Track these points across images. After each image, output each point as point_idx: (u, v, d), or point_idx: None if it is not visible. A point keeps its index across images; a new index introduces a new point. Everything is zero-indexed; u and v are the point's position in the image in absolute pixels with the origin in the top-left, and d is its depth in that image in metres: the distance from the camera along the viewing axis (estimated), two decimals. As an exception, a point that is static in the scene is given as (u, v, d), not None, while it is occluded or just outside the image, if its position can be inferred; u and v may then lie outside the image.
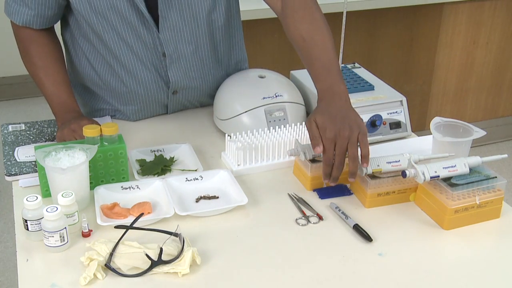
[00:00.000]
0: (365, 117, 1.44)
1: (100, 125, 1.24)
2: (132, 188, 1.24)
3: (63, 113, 1.40)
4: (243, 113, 1.43)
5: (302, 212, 1.20)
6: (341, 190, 1.28)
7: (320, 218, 1.18)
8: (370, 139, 1.41)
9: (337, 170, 1.18)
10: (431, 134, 1.30)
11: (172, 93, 1.52)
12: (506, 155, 1.22)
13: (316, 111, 1.21)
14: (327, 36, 1.29)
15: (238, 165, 1.33)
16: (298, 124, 1.41)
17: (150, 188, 1.24)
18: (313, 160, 1.28)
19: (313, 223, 1.17)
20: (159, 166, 1.31)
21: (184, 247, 1.05)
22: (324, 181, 1.21)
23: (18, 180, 1.27)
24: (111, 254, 1.04)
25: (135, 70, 1.46)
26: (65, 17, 1.47)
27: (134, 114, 1.55)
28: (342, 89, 1.23)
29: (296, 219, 1.18)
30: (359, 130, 1.17)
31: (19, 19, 1.41)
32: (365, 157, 1.17)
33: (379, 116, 1.46)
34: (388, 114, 1.47)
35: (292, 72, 1.65)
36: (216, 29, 1.50)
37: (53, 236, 1.05)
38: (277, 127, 1.40)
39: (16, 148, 1.36)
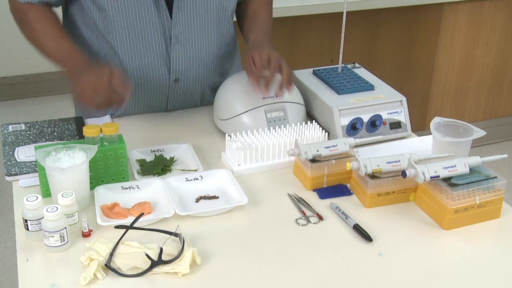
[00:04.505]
0: (365, 117, 1.44)
1: (99, 125, 1.24)
2: (132, 188, 1.24)
3: (72, 66, 1.36)
4: (243, 113, 1.43)
5: (302, 212, 1.20)
6: (341, 190, 1.28)
7: (320, 218, 1.18)
8: (370, 139, 1.41)
9: (271, 74, 1.38)
10: (431, 134, 1.30)
11: (173, 80, 1.53)
12: (506, 155, 1.22)
13: (248, 49, 1.46)
14: (271, 16, 1.64)
15: (238, 165, 1.33)
16: (298, 124, 1.41)
17: (150, 188, 1.24)
18: (313, 160, 1.28)
19: (313, 223, 1.17)
20: (159, 166, 1.31)
21: (184, 247, 1.05)
22: (256, 88, 1.38)
23: (18, 180, 1.27)
24: (111, 254, 1.04)
25: (139, 53, 1.46)
26: (66, 7, 1.48)
27: (134, 106, 1.56)
28: (269, 41, 1.52)
29: (296, 219, 1.18)
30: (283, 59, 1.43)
31: None
32: (289, 75, 1.41)
33: (379, 116, 1.46)
34: (388, 114, 1.47)
35: (292, 72, 1.65)
36: (224, 18, 1.52)
37: (53, 236, 1.05)
38: (277, 127, 1.40)
39: (16, 148, 1.36)
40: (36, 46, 1.44)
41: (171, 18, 1.44)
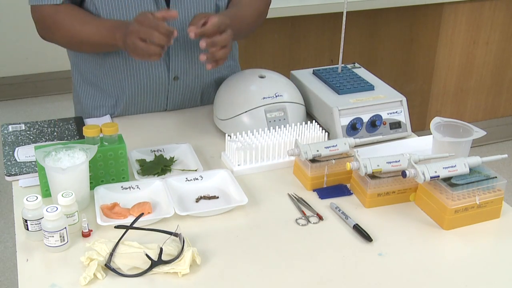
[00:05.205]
0: (365, 117, 1.44)
1: (99, 125, 1.24)
2: (132, 188, 1.24)
3: (119, 34, 1.35)
4: (243, 113, 1.43)
5: (302, 212, 1.20)
6: (341, 190, 1.28)
7: (320, 218, 1.19)
8: (370, 139, 1.41)
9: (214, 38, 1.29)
10: (431, 134, 1.30)
11: (173, 78, 1.53)
12: (506, 155, 1.22)
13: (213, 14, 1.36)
14: (253, 12, 1.54)
15: (238, 165, 1.33)
16: (298, 124, 1.41)
17: (150, 188, 1.24)
18: (313, 160, 1.28)
19: (313, 223, 1.17)
20: (159, 166, 1.31)
21: (184, 247, 1.05)
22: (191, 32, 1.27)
23: (18, 180, 1.27)
24: (111, 254, 1.04)
25: None
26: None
27: (134, 105, 1.56)
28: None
29: (296, 219, 1.18)
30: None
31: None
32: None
33: (379, 116, 1.46)
34: (388, 114, 1.47)
35: (292, 72, 1.65)
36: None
37: (53, 236, 1.05)
38: (277, 127, 1.40)
39: (16, 148, 1.36)
40: (76, 40, 1.43)
41: None
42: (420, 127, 3.16)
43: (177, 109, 1.62)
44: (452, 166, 1.17)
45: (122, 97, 1.55)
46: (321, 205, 1.23)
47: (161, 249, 1.03)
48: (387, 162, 1.21)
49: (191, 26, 1.28)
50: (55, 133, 1.44)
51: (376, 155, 1.24)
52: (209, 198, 1.23)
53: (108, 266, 1.02)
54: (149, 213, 1.16)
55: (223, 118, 1.47)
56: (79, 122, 1.50)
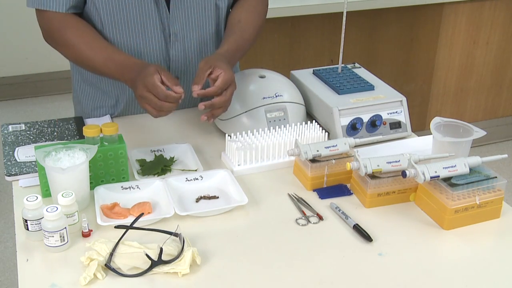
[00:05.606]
0: (365, 117, 1.44)
1: (99, 125, 1.24)
2: (132, 188, 1.24)
3: (127, 77, 1.36)
4: (243, 113, 1.43)
5: (302, 212, 1.20)
6: (341, 190, 1.28)
7: (320, 218, 1.19)
8: (370, 139, 1.41)
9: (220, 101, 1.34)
10: (431, 134, 1.30)
11: None
12: (506, 155, 1.22)
13: (214, 57, 1.36)
14: (253, 31, 1.53)
15: (238, 165, 1.33)
16: (298, 124, 1.41)
17: (150, 188, 1.24)
18: (313, 160, 1.28)
19: (313, 223, 1.17)
20: (159, 166, 1.31)
21: (184, 247, 1.05)
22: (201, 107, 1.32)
23: (18, 180, 1.27)
24: (111, 254, 1.04)
25: (139, 51, 1.47)
26: None
27: (134, 106, 1.56)
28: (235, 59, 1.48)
29: (296, 219, 1.18)
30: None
31: (58, 6, 1.39)
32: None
33: (379, 116, 1.46)
34: (388, 114, 1.47)
35: (292, 72, 1.65)
36: (221, 16, 1.53)
37: (53, 236, 1.05)
38: (277, 127, 1.40)
39: (16, 148, 1.36)
40: (82, 62, 1.43)
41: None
42: (420, 127, 3.16)
43: (177, 109, 1.62)
44: (452, 166, 1.17)
45: (122, 97, 1.55)
46: (321, 205, 1.23)
47: (161, 249, 1.03)
48: (387, 162, 1.21)
49: (194, 86, 1.31)
50: (55, 133, 1.44)
51: (376, 155, 1.24)
52: (209, 198, 1.23)
53: (108, 266, 1.02)
54: (149, 213, 1.16)
55: (223, 118, 1.47)
56: (79, 122, 1.50)
